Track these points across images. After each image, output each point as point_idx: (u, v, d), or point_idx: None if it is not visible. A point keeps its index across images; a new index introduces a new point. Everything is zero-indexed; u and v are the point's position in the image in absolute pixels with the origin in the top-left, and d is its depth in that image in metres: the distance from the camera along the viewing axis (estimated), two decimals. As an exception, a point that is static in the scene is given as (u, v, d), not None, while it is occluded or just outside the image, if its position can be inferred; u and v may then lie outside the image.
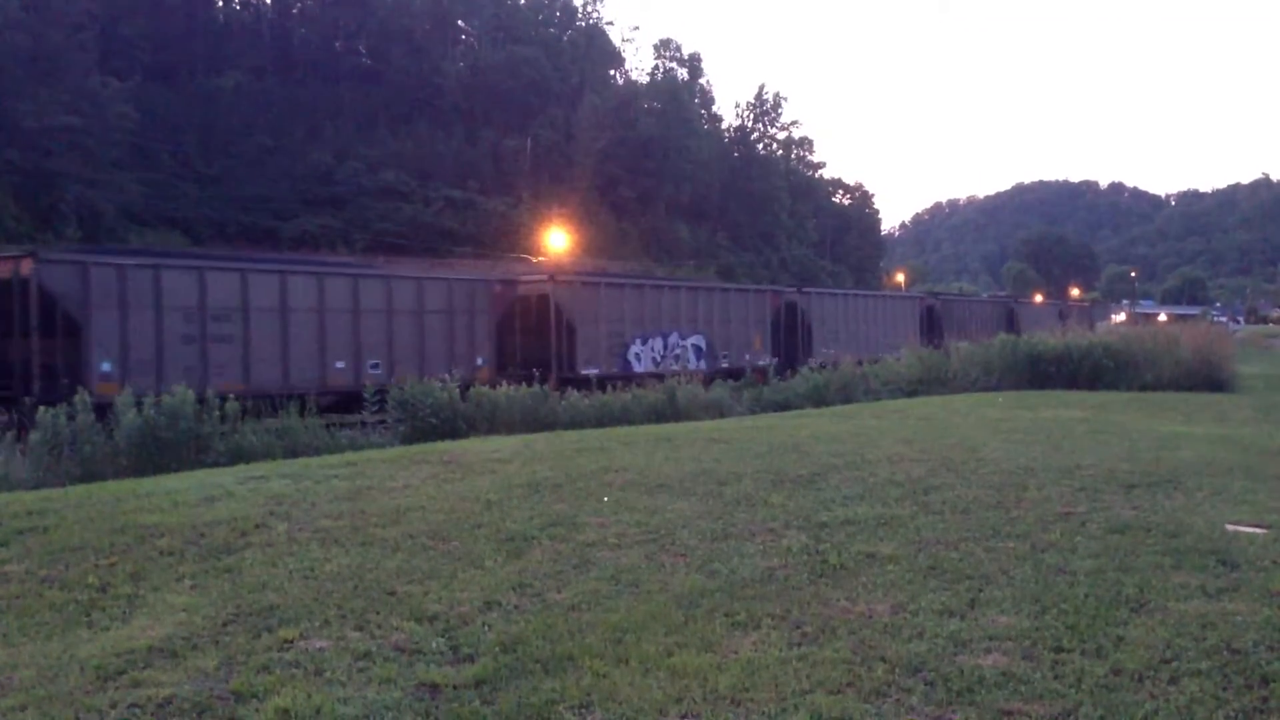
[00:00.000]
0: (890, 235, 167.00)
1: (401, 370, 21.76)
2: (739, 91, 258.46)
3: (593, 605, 5.25)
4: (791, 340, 33.71)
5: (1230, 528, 6.73)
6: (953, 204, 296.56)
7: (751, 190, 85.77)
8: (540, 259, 54.37)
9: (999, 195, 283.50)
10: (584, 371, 25.12)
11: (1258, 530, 6.67)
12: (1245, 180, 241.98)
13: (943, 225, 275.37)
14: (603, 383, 21.89)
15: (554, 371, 24.14)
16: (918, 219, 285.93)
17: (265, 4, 73.25)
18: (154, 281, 19.02)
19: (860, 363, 25.52)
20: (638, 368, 27.22)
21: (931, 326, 40.97)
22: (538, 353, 25.25)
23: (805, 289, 38.20)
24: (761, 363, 29.92)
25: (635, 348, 27.90)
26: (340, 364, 21.51)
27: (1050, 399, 17.92)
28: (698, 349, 29.84)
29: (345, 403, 20.77)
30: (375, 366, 21.98)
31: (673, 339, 29.10)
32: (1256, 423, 14.25)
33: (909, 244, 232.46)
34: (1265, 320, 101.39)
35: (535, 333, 25.92)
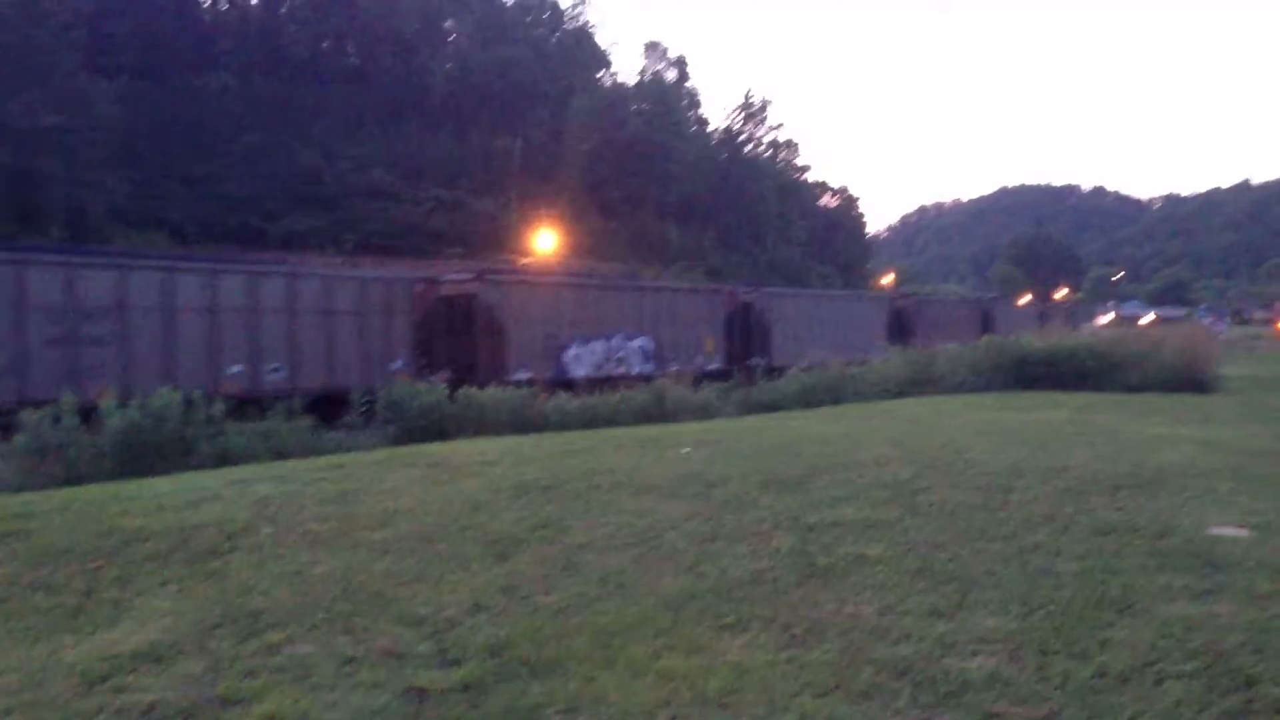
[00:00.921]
0: (879, 237, 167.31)
1: (307, 375, 21.08)
2: (726, 94, 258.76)
3: (580, 608, 5.25)
4: (748, 343, 32.42)
5: (1214, 530, 6.76)
6: (940, 206, 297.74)
7: (739, 192, 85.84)
8: (527, 259, 54.26)
9: (985, 198, 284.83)
10: (515, 376, 23.74)
11: (1242, 532, 6.70)
12: (1226, 184, 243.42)
13: (930, 227, 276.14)
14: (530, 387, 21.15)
15: (480, 376, 22.47)
16: (906, 221, 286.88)
17: (253, 4, 73.02)
18: (15, 279, 17.88)
19: (848, 364, 25.27)
20: (577, 372, 25.97)
21: (901, 328, 40.41)
22: (464, 356, 24.04)
23: (764, 289, 36.85)
24: (713, 367, 28.87)
25: (574, 350, 26.65)
26: (236, 368, 20.39)
27: (1036, 400, 17.96)
28: (644, 352, 28.60)
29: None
30: (276, 370, 20.97)
31: (615, 341, 27.86)
32: (1241, 424, 14.31)
33: (897, 246, 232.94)
34: (1248, 322, 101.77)
35: (461, 334, 24.61)
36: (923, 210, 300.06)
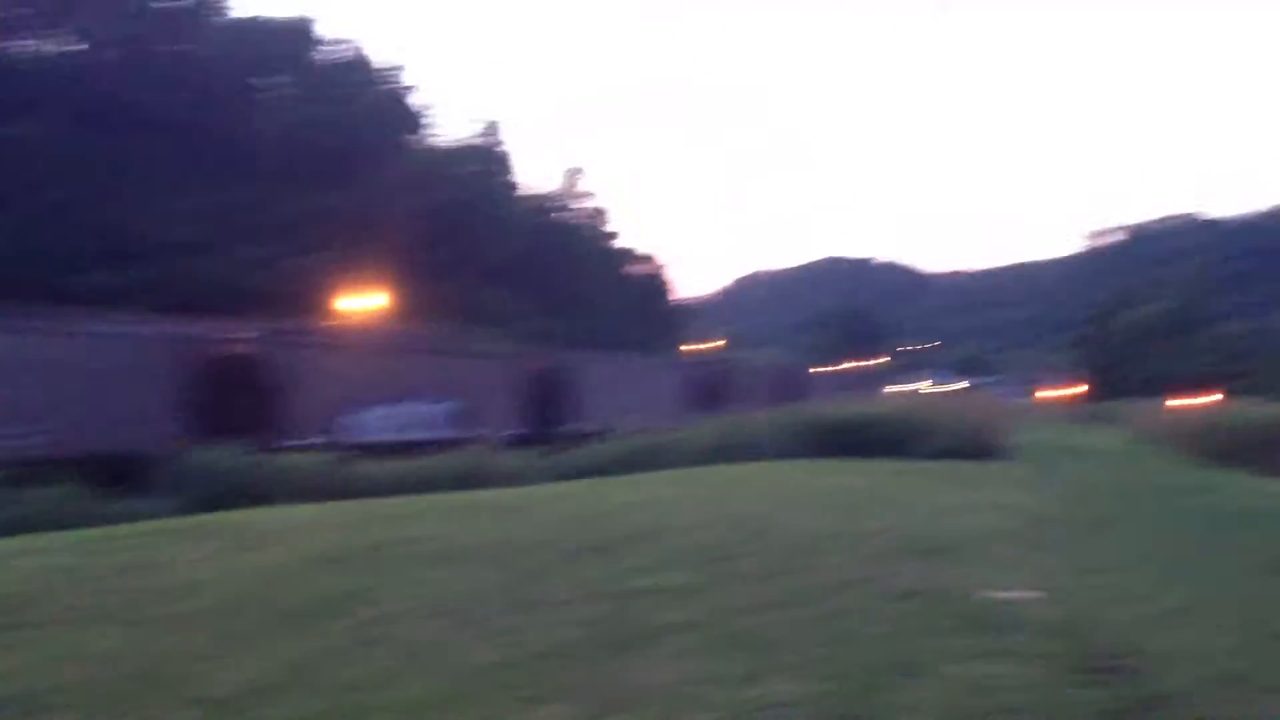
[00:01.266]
0: (700, 303, 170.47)
1: (57, 439, 19.12)
2: (545, 160, 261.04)
3: (384, 683, 5.09)
4: (556, 408, 32.09)
5: (1006, 593, 7.07)
6: (764, 273, 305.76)
7: (558, 258, 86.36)
8: (339, 319, 52.96)
9: (806, 266, 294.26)
10: (302, 440, 22.28)
11: (1029, 595, 7.03)
12: (1004, 264, 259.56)
13: (755, 293, 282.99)
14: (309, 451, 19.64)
15: (267, 438, 21.12)
16: (741, 283, 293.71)
17: (67, 51, 70.02)
18: None
19: (659, 430, 25.30)
20: (375, 435, 24.77)
21: (712, 394, 41.04)
22: (244, 417, 22.33)
23: (573, 354, 36.90)
24: (518, 432, 28.39)
25: (367, 414, 25.57)
26: None
27: (840, 467, 18.47)
28: (443, 416, 27.72)
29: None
30: (13, 436, 18.76)
31: (417, 405, 27.01)
32: (1030, 491, 15.08)
33: (725, 311, 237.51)
34: (1042, 391, 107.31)
35: (241, 395, 23.03)
36: (750, 276, 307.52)
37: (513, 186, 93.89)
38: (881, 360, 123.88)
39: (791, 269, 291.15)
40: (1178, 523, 12.29)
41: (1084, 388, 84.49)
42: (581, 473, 20.47)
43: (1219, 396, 44.61)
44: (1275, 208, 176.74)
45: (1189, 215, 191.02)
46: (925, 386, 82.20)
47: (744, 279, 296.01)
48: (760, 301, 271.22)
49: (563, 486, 15.98)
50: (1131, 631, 6.15)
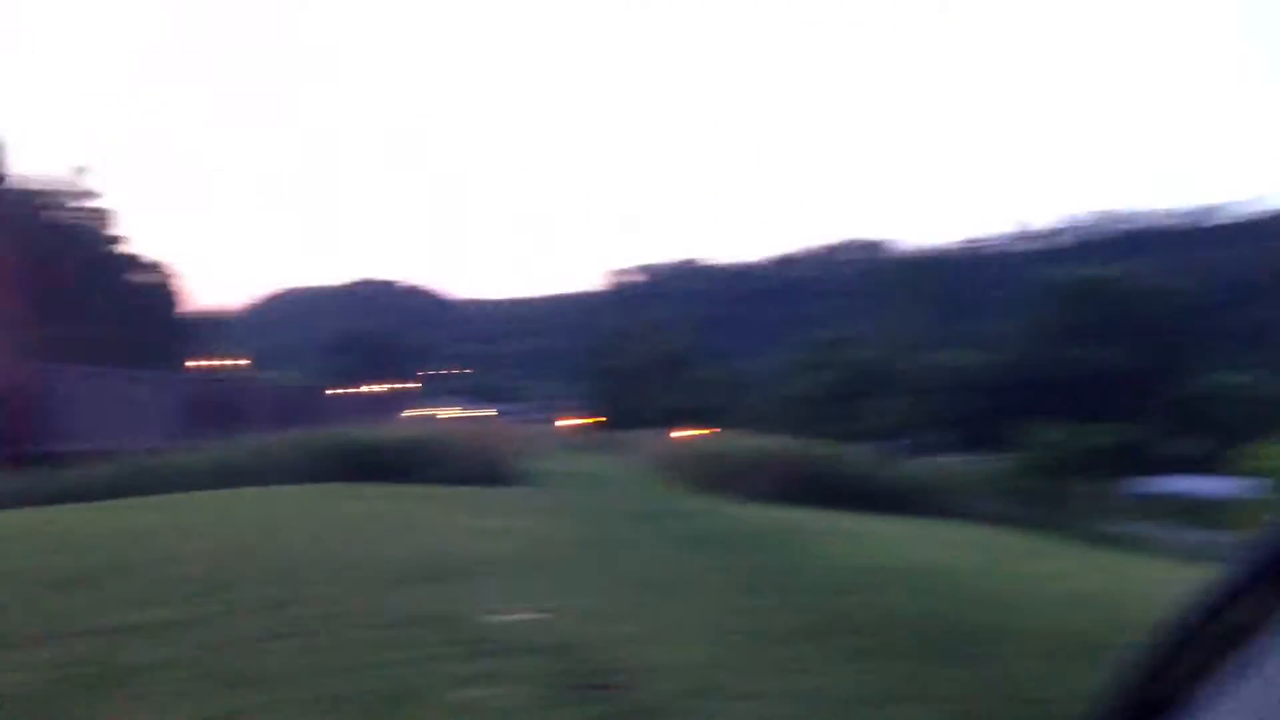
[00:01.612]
0: (225, 317, 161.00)
1: None
2: (45, 154, 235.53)
3: None
4: (31, 425, 28.18)
5: (508, 617, 7.17)
6: (294, 292, 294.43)
7: (58, 261, 78.48)
8: None
9: (341, 286, 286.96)
10: None
11: (533, 618, 7.17)
12: (533, 295, 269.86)
13: (282, 312, 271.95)
14: None
15: None
16: (261, 304, 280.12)
17: None
18: None
19: (156, 451, 23.31)
20: None
21: (221, 414, 38.78)
22: None
23: (55, 366, 34.01)
24: None
25: None
26: None
27: (351, 492, 17.93)
28: None
29: None
30: None
31: None
32: (541, 516, 15.57)
33: (250, 328, 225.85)
34: (557, 419, 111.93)
35: None
36: (283, 293, 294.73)
37: (15, 180, 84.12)
38: (407, 384, 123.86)
39: (325, 288, 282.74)
40: (673, 545, 13.12)
41: (600, 418, 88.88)
42: (60, 498, 18.34)
43: (714, 429, 48.53)
44: (776, 256, 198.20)
45: (696, 261, 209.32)
46: (452, 412, 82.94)
47: (276, 295, 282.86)
48: (292, 319, 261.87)
49: (34, 513, 14.18)
50: (623, 648, 6.44)
